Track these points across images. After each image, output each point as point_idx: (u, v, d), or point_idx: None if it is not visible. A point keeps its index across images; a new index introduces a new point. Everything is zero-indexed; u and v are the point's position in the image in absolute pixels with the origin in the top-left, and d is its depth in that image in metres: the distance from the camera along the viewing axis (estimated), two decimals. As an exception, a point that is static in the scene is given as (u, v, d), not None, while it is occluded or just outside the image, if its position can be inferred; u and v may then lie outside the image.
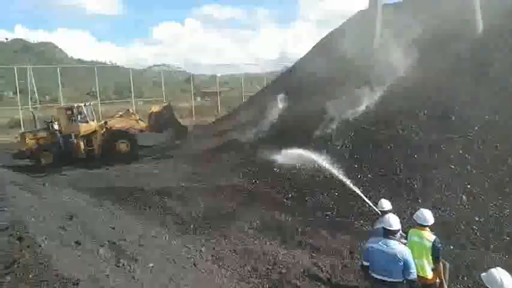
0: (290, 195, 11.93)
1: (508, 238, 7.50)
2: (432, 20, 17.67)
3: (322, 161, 9.99)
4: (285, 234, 9.43)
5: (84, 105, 19.72)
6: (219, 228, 10.04)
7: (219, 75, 41.99)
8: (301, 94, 20.25)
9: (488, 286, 3.72)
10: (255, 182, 13.41)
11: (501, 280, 3.67)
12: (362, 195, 8.45)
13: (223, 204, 11.72)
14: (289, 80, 22.76)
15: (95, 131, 19.50)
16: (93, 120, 19.88)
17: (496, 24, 15.44)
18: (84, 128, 19.12)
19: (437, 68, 14.45)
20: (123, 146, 19.92)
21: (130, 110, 21.52)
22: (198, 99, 38.04)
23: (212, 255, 8.00)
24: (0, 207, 7.69)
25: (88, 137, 19.38)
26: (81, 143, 19.06)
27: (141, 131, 20.79)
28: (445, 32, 16.72)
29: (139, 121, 20.83)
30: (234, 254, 8.22)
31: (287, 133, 16.27)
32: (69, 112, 19.00)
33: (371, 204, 7.85)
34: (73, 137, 18.75)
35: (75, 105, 19.60)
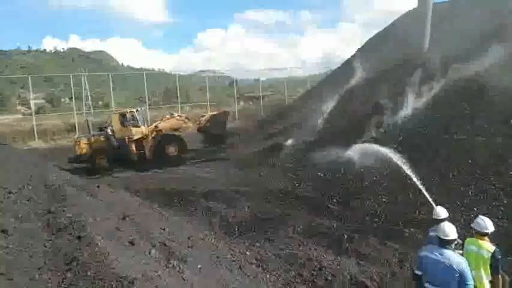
0: (336, 200, 11.74)
1: None
2: (489, 16, 16.72)
3: (395, 155, 9.49)
4: (331, 240, 9.30)
5: (137, 110, 20.67)
6: (264, 232, 10.11)
7: (262, 79, 42.33)
8: (349, 96, 19.93)
9: None
10: (302, 186, 13.34)
11: None
12: (430, 199, 8.03)
13: (269, 208, 11.78)
14: (336, 82, 22.42)
15: (146, 135, 20.34)
16: (144, 125, 20.76)
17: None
18: (136, 132, 20.01)
19: (498, 66, 13.60)
20: (172, 149, 20.63)
21: (175, 114, 22.26)
22: (242, 103, 38.55)
23: (257, 259, 8.07)
24: (60, 207, 8.25)
25: (139, 141, 20.26)
26: (134, 147, 19.96)
27: (189, 129, 21.41)
28: (503, 27, 15.75)
29: (186, 120, 21.50)
30: (278, 258, 8.24)
31: (335, 136, 16.03)
32: (122, 117, 19.99)
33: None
34: (126, 141, 19.68)
35: (128, 110, 20.60)
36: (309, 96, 26.68)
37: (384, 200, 10.73)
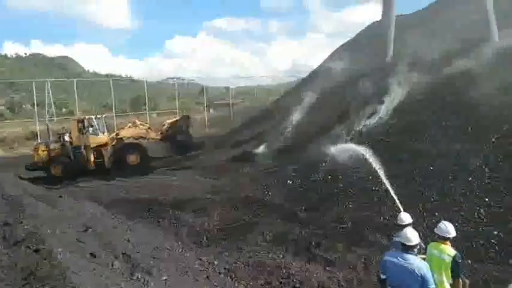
0: (304, 207, 11.84)
1: (529, 253, 7.26)
2: (449, 28, 17.55)
3: (370, 156, 9.55)
4: (299, 247, 9.33)
5: (95, 117, 20.01)
6: (233, 241, 10.02)
7: (232, 87, 42.40)
8: (317, 104, 20.27)
9: None
10: (271, 193, 13.38)
11: None
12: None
13: (238, 216, 11.71)
14: (304, 91, 22.76)
15: (105, 143, 19.70)
16: (103, 133, 20.11)
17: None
18: (94, 140, 19.35)
19: (458, 76, 14.27)
20: (133, 158, 20.06)
21: (137, 122, 21.73)
22: (212, 111, 38.38)
23: (225, 268, 7.96)
24: (18, 219, 7.84)
25: (98, 149, 19.61)
26: (91, 155, 19.26)
27: (153, 139, 20.98)
28: (464, 40, 16.58)
29: (149, 130, 21.06)
30: (247, 266, 8.16)
31: (303, 144, 16.25)
32: (80, 124, 19.32)
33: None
34: (82, 149, 18.99)
35: (86, 117, 19.94)
36: (279, 104, 26.95)
37: (350, 206, 10.91)
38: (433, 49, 16.91)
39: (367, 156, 9.14)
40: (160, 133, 21.18)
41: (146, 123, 22.15)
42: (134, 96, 44.06)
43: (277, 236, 10.11)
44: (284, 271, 7.73)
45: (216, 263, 8.21)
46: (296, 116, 20.23)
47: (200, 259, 8.31)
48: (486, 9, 16.01)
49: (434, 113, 13.14)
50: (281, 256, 8.84)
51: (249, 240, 9.89)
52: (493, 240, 7.81)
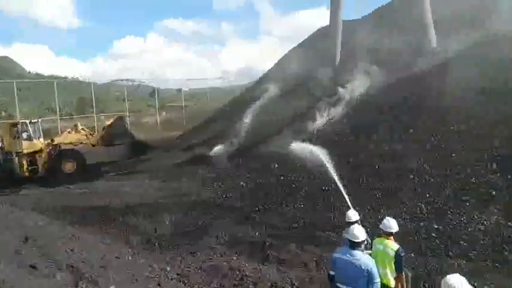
0: (258, 208, 11.92)
1: (465, 244, 7.80)
2: (393, 34, 18.49)
3: (323, 155, 9.63)
4: (253, 248, 9.37)
5: (30, 122, 18.71)
6: (186, 245, 9.86)
7: (185, 89, 41.77)
8: (270, 106, 20.49)
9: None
10: (225, 195, 13.33)
11: (452, 281, 3.81)
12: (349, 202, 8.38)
13: (191, 220, 11.55)
14: (257, 93, 22.94)
15: (40, 150, 18.53)
16: (39, 138, 18.86)
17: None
18: (28, 146, 18.12)
19: (401, 81, 15.07)
20: (69, 165, 18.94)
21: (79, 125, 20.63)
22: (164, 113, 37.54)
23: (178, 274, 7.82)
24: None
25: (33, 156, 18.40)
26: (24, 162, 18.04)
27: (93, 145, 20.01)
28: (404, 46, 17.54)
29: (89, 136, 20.04)
30: (200, 271, 8.07)
31: (257, 146, 16.36)
32: (13, 129, 18.05)
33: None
34: (14, 155, 17.76)
35: (20, 121, 18.69)
36: (232, 107, 26.96)
37: (302, 205, 11.14)
38: (380, 53, 17.73)
39: (321, 155, 9.35)
40: (101, 138, 20.15)
41: (86, 129, 20.96)
42: (80, 98, 42.01)
43: (231, 238, 10.09)
44: (238, 273, 7.73)
45: (168, 269, 8.04)
46: (249, 118, 20.33)
47: (151, 266, 8.09)
48: (425, 15, 17.07)
49: (381, 113, 13.78)
50: (235, 258, 8.84)
51: (203, 244, 9.79)
52: (433, 234, 8.31)
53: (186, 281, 7.64)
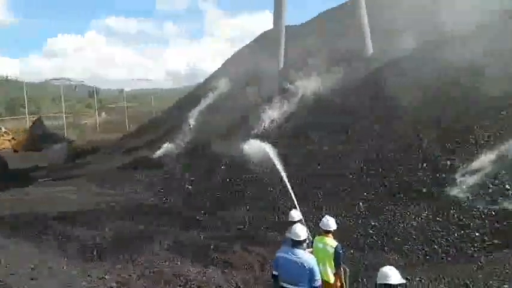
0: (204, 211, 11.80)
1: (399, 239, 8.31)
2: (334, 40, 19.26)
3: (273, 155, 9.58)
4: (198, 252, 9.24)
5: None
6: (128, 253, 9.47)
7: (127, 89, 40.29)
8: (215, 108, 20.39)
9: (379, 281, 4.08)
10: (169, 199, 13.03)
11: (387, 273, 4.06)
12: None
13: (133, 226, 11.12)
14: (202, 95, 22.69)
15: None
16: None
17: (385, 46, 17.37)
18: None
19: (338, 85, 15.70)
20: None
21: (3, 129, 19.17)
22: (104, 115, 35.86)
23: (117, 282, 7.48)
24: None
25: None
26: None
27: (15, 151, 18.65)
28: (344, 51, 18.33)
29: (11, 140, 18.66)
30: (142, 278, 7.79)
31: (201, 148, 16.17)
32: None
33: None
34: None
35: None
36: (177, 108, 26.46)
37: (248, 207, 11.21)
38: (320, 59, 18.36)
39: (272, 154, 9.39)
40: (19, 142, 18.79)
41: (10, 133, 19.40)
42: (11, 98, 38.81)
43: (175, 243, 9.86)
44: (182, 278, 7.57)
45: (107, 277, 7.66)
46: (194, 120, 20.10)
47: (89, 275, 7.67)
48: (362, 22, 17.99)
49: (325, 114, 14.24)
50: (179, 263, 8.65)
51: (145, 251, 9.45)
52: (370, 231, 8.76)
53: (126, 290, 7.34)
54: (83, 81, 38.77)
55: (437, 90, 12.58)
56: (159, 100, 36.57)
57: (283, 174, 9.07)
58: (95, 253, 9.36)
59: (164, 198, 13.10)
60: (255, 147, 11.88)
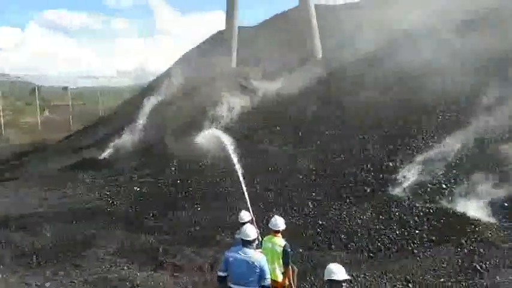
0: (153, 214, 11.50)
1: (345, 237, 8.64)
2: (286, 42, 19.62)
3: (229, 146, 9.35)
4: (146, 256, 8.99)
5: None
6: (70, 258, 9.02)
7: (72, 86, 38.31)
8: (162, 109, 19.93)
9: (325, 278, 4.24)
10: (116, 202, 12.55)
11: (332, 269, 4.22)
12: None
13: (76, 231, 10.60)
14: (151, 94, 22.07)
15: None
16: None
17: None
18: None
19: (290, 87, 16.03)
20: None
21: None
22: (47, 113, 33.78)
23: (59, 290, 7.11)
24: None
25: None
26: None
27: None
28: (296, 54, 18.76)
29: None
30: (86, 284, 7.47)
31: (150, 149, 15.77)
32: None
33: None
34: None
35: None
36: (126, 107, 25.58)
37: (199, 209, 11.10)
38: (273, 60, 18.65)
39: (225, 140, 9.26)
40: None
41: None
42: None
43: (122, 247, 9.54)
44: (128, 284, 7.35)
45: (47, 285, 7.25)
46: (143, 120, 19.53)
47: (27, 283, 7.22)
48: (311, 26, 18.52)
49: (276, 115, 14.47)
50: (126, 268, 8.38)
51: (90, 256, 9.06)
52: (318, 230, 9.02)
53: (69, 297, 7.00)
54: (19, 77, 36.20)
55: (383, 92, 13.22)
56: (107, 98, 35.06)
57: (237, 167, 9.02)
58: (34, 260, 8.82)
59: (111, 201, 12.61)
60: (209, 136, 11.73)
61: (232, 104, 16.13)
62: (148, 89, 25.36)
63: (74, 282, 7.67)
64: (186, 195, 11.89)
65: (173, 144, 14.91)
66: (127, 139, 18.27)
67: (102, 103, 33.11)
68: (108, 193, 13.28)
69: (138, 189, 13.02)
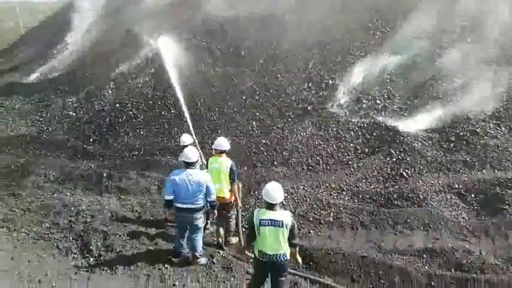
0: (92, 140, 11.11)
1: (286, 154, 9.05)
2: None
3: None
4: (89, 181, 8.88)
5: None
6: (7, 188, 8.67)
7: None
8: (93, 27, 18.15)
9: (263, 196, 4.56)
10: (50, 129, 11.88)
11: (268, 187, 4.53)
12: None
13: (10, 160, 10.07)
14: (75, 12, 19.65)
15: None
16: None
17: None
18: None
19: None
20: None
21: None
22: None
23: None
24: None
25: None
26: None
27: None
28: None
29: None
30: (27, 212, 7.32)
31: (84, 71, 14.53)
32: None
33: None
34: None
35: None
36: (51, 24, 22.86)
37: (141, 132, 10.87)
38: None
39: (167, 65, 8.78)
40: None
41: None
42: None
43: (62, 174, 9.29)
44: (73, 209, 7.30)
45: (-16, 217, 7.01)
46: (74, 38, 17.75)
47: (-40, 218, 6.91)
48: None
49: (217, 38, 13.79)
50: (69, 195, 8.27)
51: (28, 184, 8.78)
52: (262, 148, 9.30)
53: (10, 226, 6.85)
54: None
55: (326, 11, 12.96)
56: (28, 14, 30.89)
57: (178, 89, 8.73)
58: (-36, 192, 8.37)
59: (43, 128, 11.93)
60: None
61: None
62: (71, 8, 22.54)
63: (14, 211, 7.47)
64: (126, 119, 11.48)
65: (106, 66, 13.94)
66: (54, 61, 16.68)
67: (22, 19, 29.21)
68: (41, 119, 12.47)
69: (74, 113, 12.34)
